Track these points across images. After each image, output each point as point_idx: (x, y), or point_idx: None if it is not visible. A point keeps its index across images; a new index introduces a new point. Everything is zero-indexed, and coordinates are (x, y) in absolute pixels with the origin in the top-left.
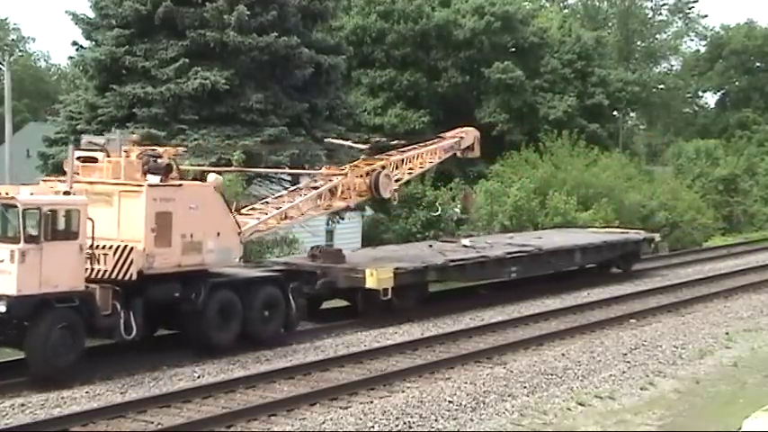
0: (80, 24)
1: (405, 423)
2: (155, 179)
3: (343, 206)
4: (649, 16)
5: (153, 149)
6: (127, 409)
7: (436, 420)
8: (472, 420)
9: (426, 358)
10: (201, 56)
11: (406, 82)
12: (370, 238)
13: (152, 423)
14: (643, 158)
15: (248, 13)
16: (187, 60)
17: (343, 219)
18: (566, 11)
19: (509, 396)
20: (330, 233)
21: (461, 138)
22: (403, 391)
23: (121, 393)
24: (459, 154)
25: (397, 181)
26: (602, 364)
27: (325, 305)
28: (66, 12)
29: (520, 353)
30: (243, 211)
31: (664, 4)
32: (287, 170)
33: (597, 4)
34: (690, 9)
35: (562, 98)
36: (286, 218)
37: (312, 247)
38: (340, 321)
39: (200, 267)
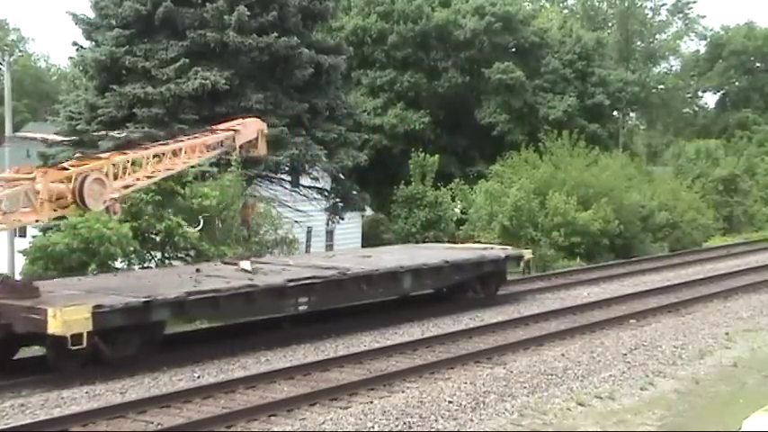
0: (80, 25)
1: (405, 423)
2: None
3: (32, 220)
4: (649, 17)
5: None
6: (127, 409)
7: (436, 420)
8: (472, 420)
9: (426, 358)
10: (201, 56)
11: (407, 82)
12: (371, 238)
13: (152, 423)
14: (643, 159)
15: (248, 13)
16: (187, 60)
17: (343, 219)
18: (565, 11)
19: (509, 396)
20: (330, 233)
21: (236, 132)
22: (403, 392)
23: (121, 393)
24: (240, 152)
25: (125, 188)
26: (602, 364)
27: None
28: (67, 12)
29: (520, 353)
30: None
31: (663, 5)
32: None
33: (597, 4)
34: (689, 9)
35: (562, 98)
36: None
37: None
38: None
39: None
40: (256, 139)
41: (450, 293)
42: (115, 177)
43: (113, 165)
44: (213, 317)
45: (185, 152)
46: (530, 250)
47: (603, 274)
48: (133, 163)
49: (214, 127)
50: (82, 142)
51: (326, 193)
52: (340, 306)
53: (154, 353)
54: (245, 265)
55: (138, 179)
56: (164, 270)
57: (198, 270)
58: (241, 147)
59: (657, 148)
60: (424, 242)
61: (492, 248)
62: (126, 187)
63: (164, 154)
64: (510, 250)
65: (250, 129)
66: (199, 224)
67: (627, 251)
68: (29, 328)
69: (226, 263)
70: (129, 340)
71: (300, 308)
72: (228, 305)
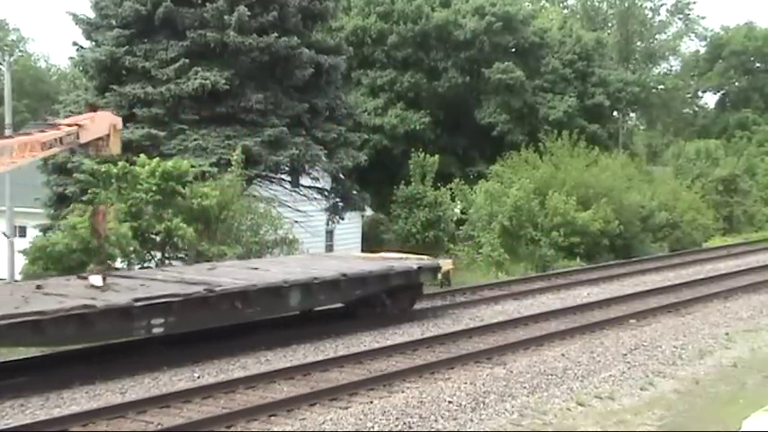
0: (80, 25)
1: (404, 423)
2: None
3: None
4: (649, 17)
5: None
6: (127, 409)
7: (436, 421)
8: (472, 420)
9: (426, 359)
10: (201, 56)
11: (407, 83)
12: (371, 238)
13: (152, 423)
14: (643, 159)
15: (248, 13)
16: (187, 60)
17: (343, 219)
18: (565, 11)
19: (509, 396)
20: (330, 233)
21: (80, 127)
22: (403, 392)
23: (121, 393)
24: (88, 150)
25: None
26: (602, 364)
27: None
28: (67, 12)
29: (520, 353)
30: None
31: (663, 5)
32: None
33: (597, 4)
34: (689, 10)
35: (562, 98)
36: None
37: None
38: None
39: None
40: (108, 135)
41: (355, 309)
42: None
43: None
44: (39, 344)
45: (14, 151)
46: (450, 260)
47: (603, 274)
48: None
49: (57, 121)
50: None
51: (326, 193)
52: (209, 327)
53: None
54: (96, 280)
55: None
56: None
57: (39, 287)
58: (88, 144)
59: (657, 149)
60: (425, 242)
61: (407, 259)
62: None
63: None
64: (425, 261)
65: (100, 124)
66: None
67: (627, 251)
68: None
69: (80, 277)
70: None
71: (154, 330)
72: (57, 330)
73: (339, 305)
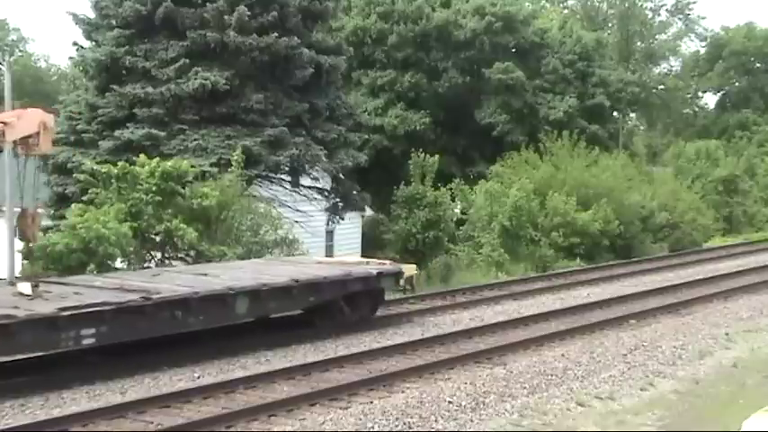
0: (80, 25)
1: (404, 423)
2: None
3: None
4: (649, 17)
5: None
6: (127, 409)
7: (436, 421)
8: (472, 421)
9: (426, 359)
10: (202, 56)
11: (407, 83)
12: (371, 238)
13: (152, 423)
14: (643, 159)
15: (248, 13)
16: (187, 61)
17: (343, 219)
18: (565, 11)
19: (509, 396)
20: (330, 233)
21: (5, 125)
22: (403, 392)
23: (121, 393)
24: (16, 149)
25: None
26: (602, 364)
27: None
28: (67, 12)
29: (520, 353)
30: None
31: (663, 5)
32: None
33: (597, 4)
34: (690, 10)
35: (562, 99)
36: None
37: None
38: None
39: None
40: (37, 133)
41: (312, 316)
42: None
43: None
44: None
45: None
46: (413, 265)
47: (603, 274)
48: None
49: None
50: (82, 142)
51: (326, 194)
52: (147, 338)
53: None
54: (24, 287)
55: None
56: None
57: None
58: (16, 143)
59: (657, 149)
60: (425, 242)
61: (367, 263)
62: None
63: None
64: (387, 266)
65: (28, 122)
66: None
67: (627, 251)
68: None
69: (12, 284)
70: None
71: (85, 341)
72: None
73: (296, 312)
